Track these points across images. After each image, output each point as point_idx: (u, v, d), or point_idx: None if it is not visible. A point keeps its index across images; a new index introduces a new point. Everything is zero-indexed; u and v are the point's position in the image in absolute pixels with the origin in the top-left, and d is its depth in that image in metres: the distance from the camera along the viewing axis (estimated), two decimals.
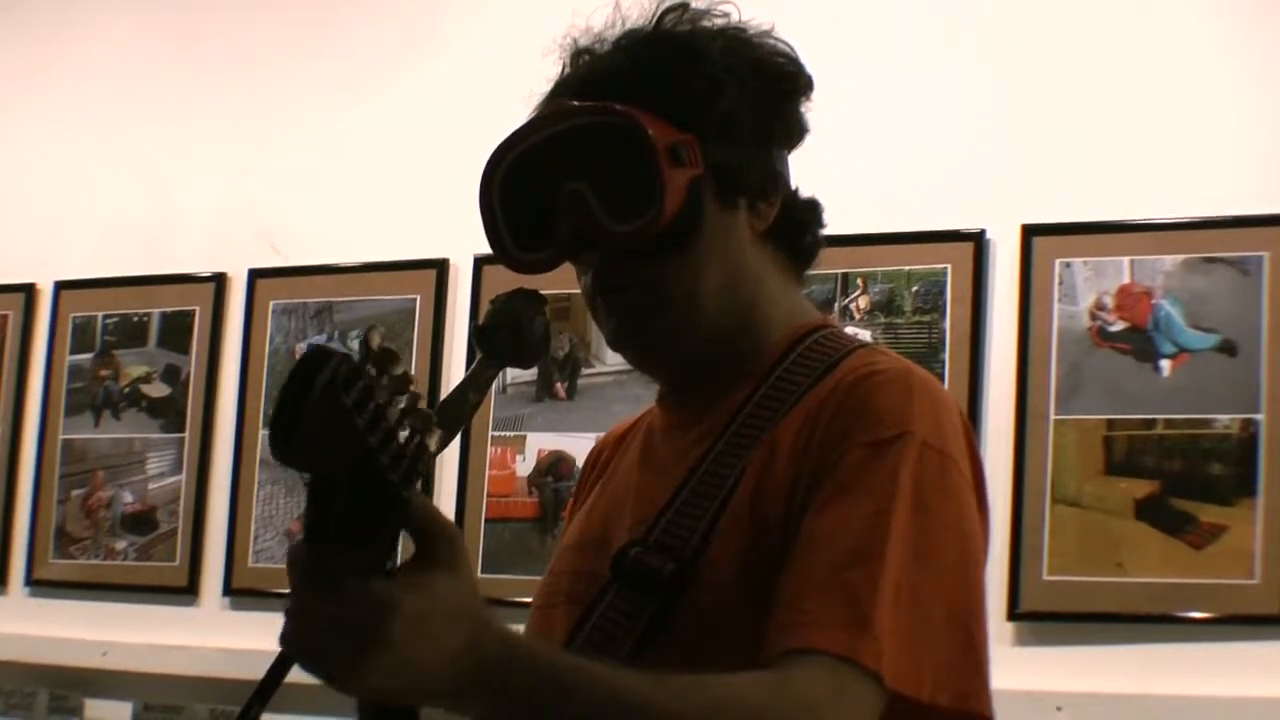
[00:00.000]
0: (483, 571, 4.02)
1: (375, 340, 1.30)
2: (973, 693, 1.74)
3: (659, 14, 1.95)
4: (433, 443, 1.44)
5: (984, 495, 1.86)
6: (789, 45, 1.98)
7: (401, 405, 1.41)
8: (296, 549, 1.46)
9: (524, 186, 1.88)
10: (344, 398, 1.36)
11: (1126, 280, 3.53)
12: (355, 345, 4.31)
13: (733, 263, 1.91)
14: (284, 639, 1.47)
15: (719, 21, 1.96)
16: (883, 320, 3.73)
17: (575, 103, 1.89)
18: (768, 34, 1.98)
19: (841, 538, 1.71)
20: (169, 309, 4.62)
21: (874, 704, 1.65)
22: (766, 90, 1.93)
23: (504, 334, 1.85)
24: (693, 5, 1.96)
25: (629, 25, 1.96)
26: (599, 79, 1.91)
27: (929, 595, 1.71)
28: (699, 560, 1.77)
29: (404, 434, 1.41)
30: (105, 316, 4.70)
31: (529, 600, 2.02)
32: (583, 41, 1.97)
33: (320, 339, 4.37)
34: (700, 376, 1.94)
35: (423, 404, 1.44)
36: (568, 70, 1.97)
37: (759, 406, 1.86)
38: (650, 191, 1.82)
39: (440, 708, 1.54)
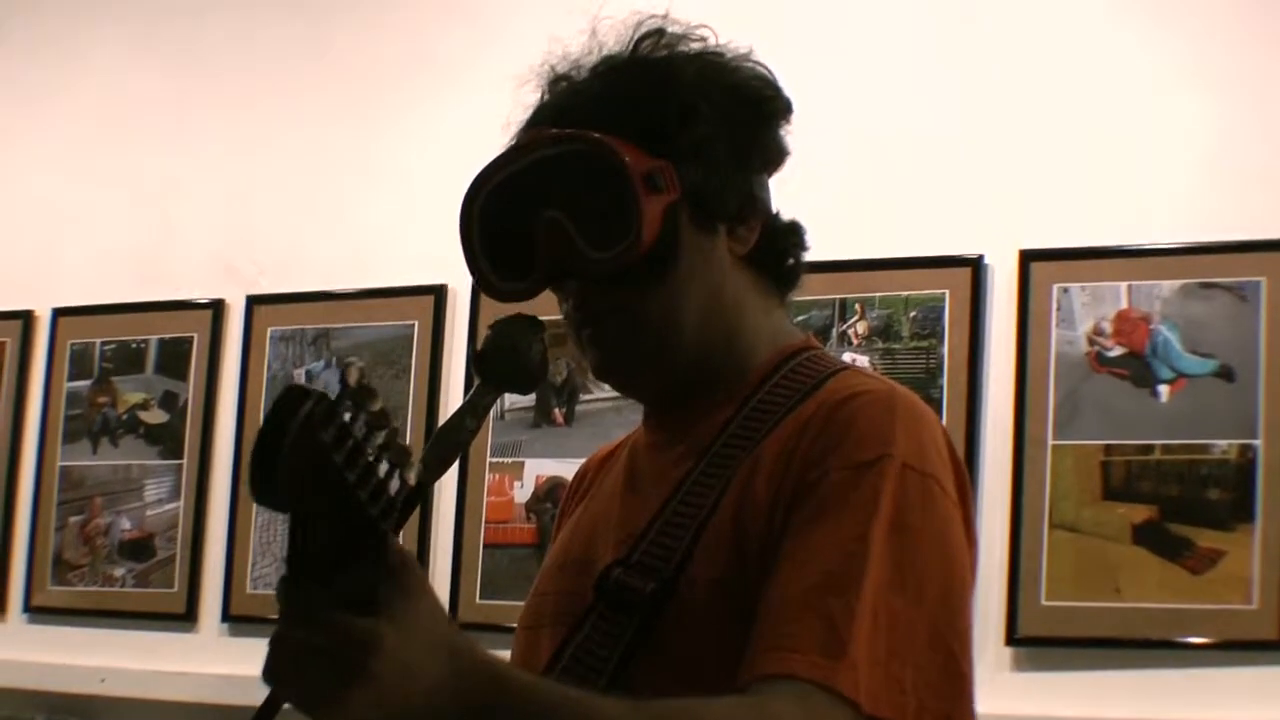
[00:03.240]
0: (480, 597, 4.02)
1: (353, 377, 1.30)
2: (956, 714, 1.74)
3: (635, 40, 1.95)
4: (411, 476, 1.44)
5: (970, 515, 1.85)
6: (767, 69, 1.98)
7: (379, 441, 1.41)
8: (282, 584, 1.47)
9: (503, 215, 1.89)
10: (321, 435, 1.36)
11: (1124, 305, 3.54)
12: (352, 372, 4.31)
13: (712, 287, 1.91)
14: (266, 671, 1.46)
15: (695, 46, 1.96)
16: (880, 346, 3.73)
17: (552, 131, 1.89)
18: (746, 58, 1.97)
19: (820, 561, 1.70)
20: (167, 336, 4.62)
21: None
22: (743, 114, 1.94)
23: (502, 360, 1.85)
24: (670, 30, 1.96)
25: (606, 52, 1.96)
26: (574, 106, 1.91)
27: (910, 617, 1.70)
28: (680, 580, 1.78)
29: (383, 469, 1.42)
30: (103, 343, 4.70)
31: None
32: (560, 68, 1.97)
33: (318, 366, 4.38)
34: (683, 398, 1.94)
35: (400, 439, 1.44)
36: (546, 97, 1.97)
37: (741, 427, 1.87)
38: (627, 219, 1.83)
39: None
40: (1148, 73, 3.65)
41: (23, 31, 5.01)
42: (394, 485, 1.42)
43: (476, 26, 4.38)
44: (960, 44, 3.82)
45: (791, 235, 1.99)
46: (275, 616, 1.46)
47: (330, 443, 1.36)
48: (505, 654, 2.02)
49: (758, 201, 1.95)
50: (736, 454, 1.84)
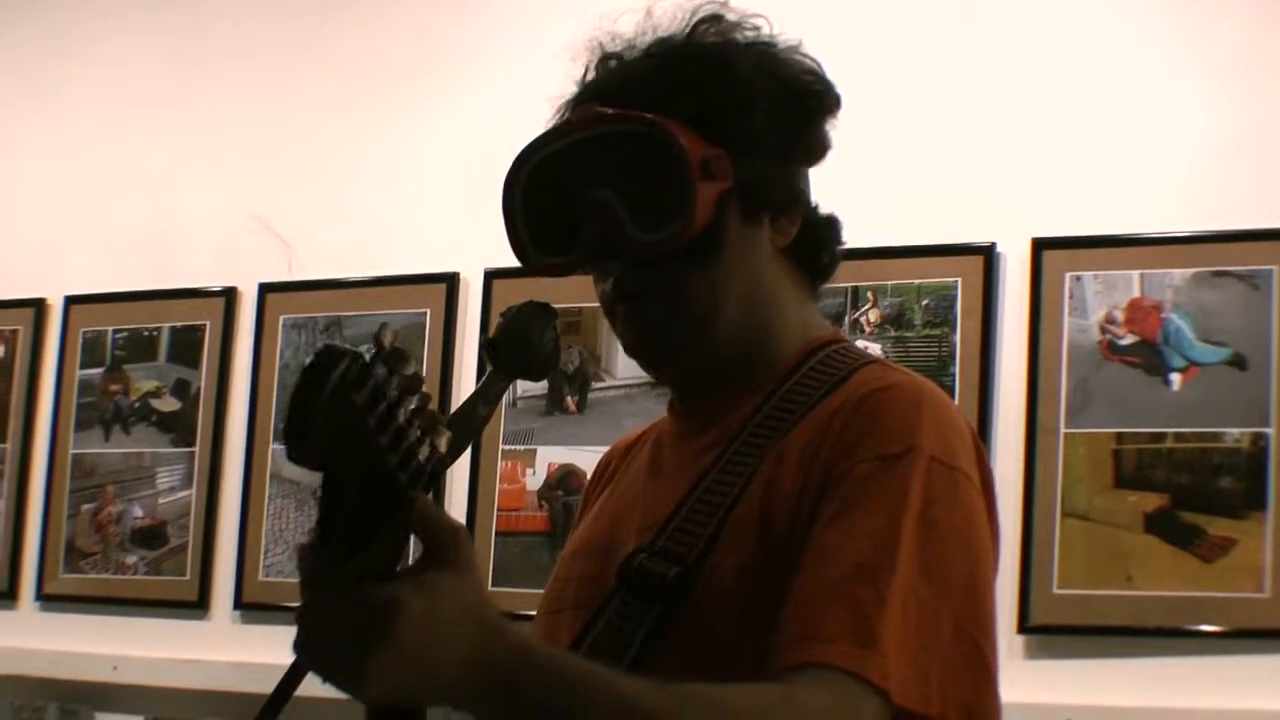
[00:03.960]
0: (493, 585, 4.02)
1: (387, 339, 1.29)
2: (981, 706, 1.75)
3: (692, 24, 1.95)
4: (442, 444, 1.44)
5: (994, 509, 1.86)
6: (817, 63, 1.98)
7: (412, 406, 1.41)
8: (305, 553, 1.47)
9: (549, 190, 1.89)
10: (355, 397, 1.36)
11: (1137, 294, 3.53)
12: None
13: (752, 277, 1.92)
14: (295, 644, 1.47)
15: (750, 35, 1.96)
16: (893, 334, 3.73)
17: (608, 110, 1.88)
18: (797, 50, 1.98)
19: (849, 552, 1.71)
20: (179, 323, 4.62)
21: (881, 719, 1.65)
22: (794, 108, 1.94)
23: (514, 347, 1.85)
24: (726, 17, 1.96)
25: (660, 33, 1.96)
26: (630, 86, 1.91)
27: (936, 610, 1.72)
28: (703, 566, 1.78)
29: (414, 434, 1.42)
30: (115, 331, 4.71)
31: None
32: (610, 46, 1.96)
33: None
34: (712, 385, 1.95)
35: (432, 405, 1.44)
36: (593, 75, 1.96)
37: (768, 417, 1.87)
38: (680, 203, 1.83)
39: (447, 707, 1.54)
40: (1159, 60, 3.64)
41: (28, 22, 5.00)
42: (424, 452, 1.43)
43: (486, 14, 4.38)
44: (971, 31, 3.81)
45: (829, 229, 2.00)
46: (296, 603, 1.46)
47: (363, 405, 1.37)
48: None
49: (801, 194, 1.97)
50: (763, 443, 1.84)
